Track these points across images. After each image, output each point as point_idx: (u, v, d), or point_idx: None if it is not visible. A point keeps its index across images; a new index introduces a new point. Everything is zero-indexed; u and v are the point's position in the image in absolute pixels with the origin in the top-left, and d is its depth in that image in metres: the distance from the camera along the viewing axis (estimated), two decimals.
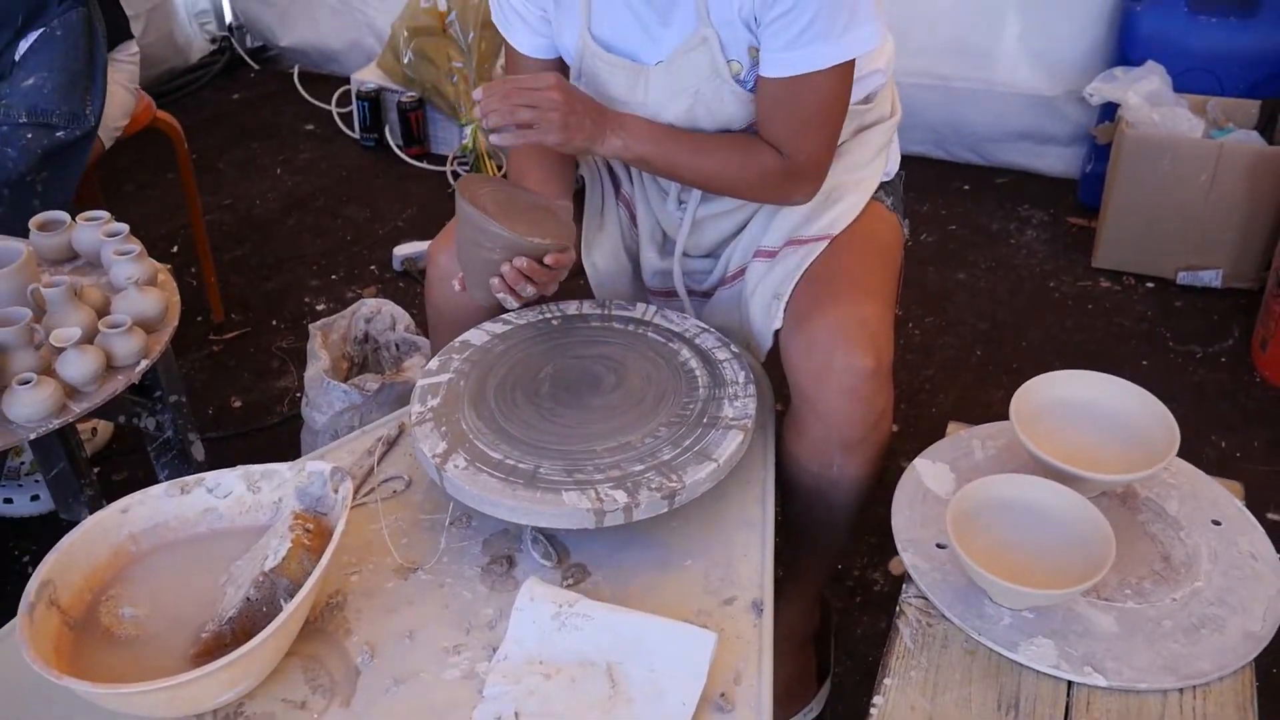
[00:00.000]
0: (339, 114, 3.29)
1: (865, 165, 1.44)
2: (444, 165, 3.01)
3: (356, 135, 3.16)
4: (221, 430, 2.06)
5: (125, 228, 1.49)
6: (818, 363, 1.24)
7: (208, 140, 3.14)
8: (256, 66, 3.69)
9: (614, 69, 1.30)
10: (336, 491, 1.07)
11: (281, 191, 2.92)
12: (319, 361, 1.79)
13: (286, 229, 2.75)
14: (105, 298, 1.44)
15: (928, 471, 1.20)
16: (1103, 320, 2.38)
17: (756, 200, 1.39)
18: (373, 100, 3.09)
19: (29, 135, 1.68)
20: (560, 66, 1.38)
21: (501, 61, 3.05)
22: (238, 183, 2.96)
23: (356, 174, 3.02)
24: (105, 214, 1.54)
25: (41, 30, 1.78)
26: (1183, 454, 1.17)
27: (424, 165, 3.04)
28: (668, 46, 1.27)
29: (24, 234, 1.54)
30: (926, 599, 1.07)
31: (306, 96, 3.44)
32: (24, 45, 1.78)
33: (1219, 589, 1.06)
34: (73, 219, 1.55)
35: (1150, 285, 2.49)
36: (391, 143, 3.11)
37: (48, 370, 1.30)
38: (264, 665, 0.98)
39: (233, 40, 3.74)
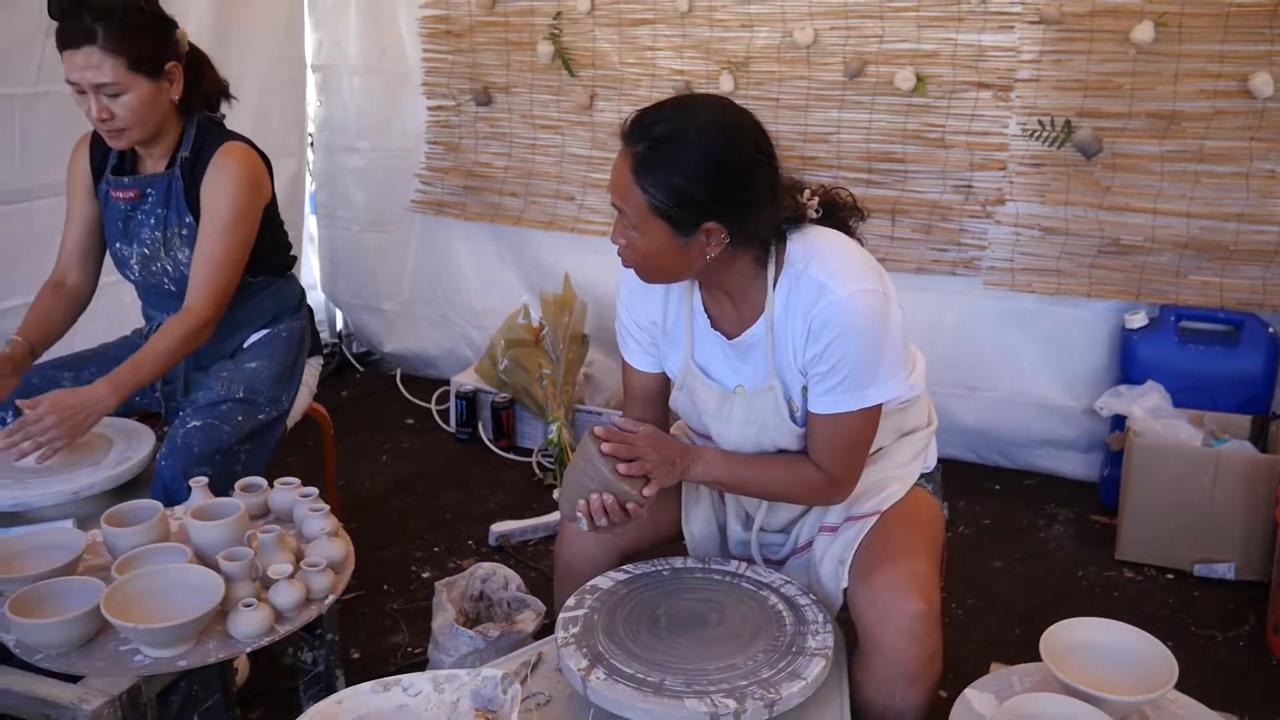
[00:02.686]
0: (437, 411, 3.75)
1: (907, 464, 1.81)
2: (530, 457, 3.41)
3: (452, 429, 3.60)
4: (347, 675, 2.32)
5: (315, 491, 1.86)
6: (880, 609, 1.54)
7: (320, 430, 3.57)
8: (361, 369, 4.22)
9: (709, 390, 1.71)
10: (506, 693, 1.35)
11: (387, 476, 3.32)
12: (446, 613, 2.08)
13: (393, 508, 3.11)
14: (298, 546, 1.78)
15: (975, 699, 1.46)
16: (1128, 606, 2.63)
17: (803, 504, 1.76)
18: (469, 399, 3.55)
19: (239, 416, 2.09)
20: (664, 379, 1.79)
21: (585, 369, 3.54)
22: (348, 467, 3.36)
23: (453, 463, 3.42)
24: (296, 480, 1.91)
25: (270, 330, 2.27)
26: None
27: (512, 457, 3.45)
28: (746, 379, 1.68)
29: (227, 494, 1.91)
30: None
31: (407, 395, 3.92)
32: (254, 337, 2.27)
33: None
34: (269, 483, 1.92)
35: (1170, 576, 2.76)
36: (484, 436, 3.53)
37: (261, 598, 1.61)
38: None
39: (342, 346, 4.30)
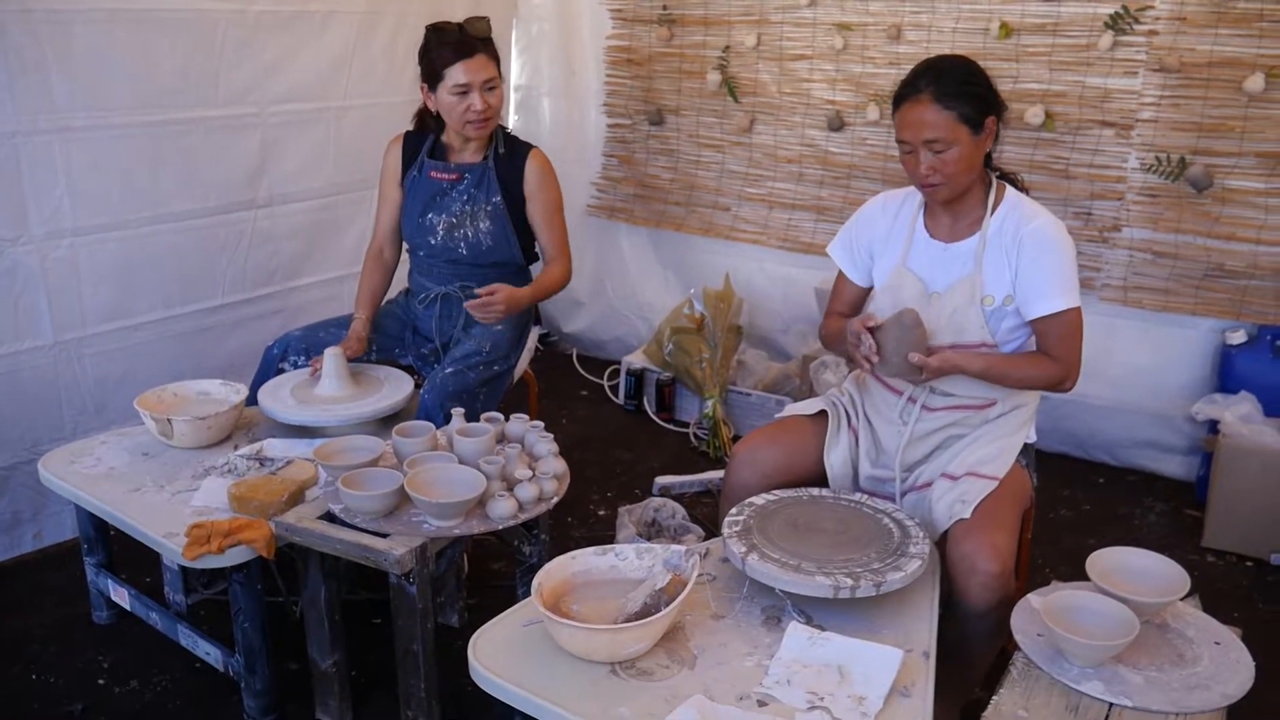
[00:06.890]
0: (609, 385, 4.36)
1: (1014, 433, 2.28)
2: (687, 428, 3.98)
3: (621, 401, 4.21)
4: None
5: (542, 424, 2.46)
6: (968, 567, 2.02)
7: (523, 391, 4.23)
8: (541, 348, 4.86)
9: (916, 286, 2.27)
10: (687, 561, 1.91)
11: (567, 435, 3.93)
12: (627, 529, 2.67)
13: (573, 460, 3.62)
14: (530, 461, 2.38)
15: (1034, 600, 1.94)
16: (1206, 584, 3.01)
17: (1040, 389, 2.28)
18: (637, 376, 4.15)
19: (481, 366, 2.73)
20: (862, 293, 2.43)
21: (738, 356, 4.08)
22: None
23: (621, 429, 4.03)
24: (525, 415, 2.51)
25: None
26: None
27: (671, 427, 4.03)
28: (948, 279, 2.23)
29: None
30: (1029, 660, 1.80)
31: (582, 371, 4.55)
32: None
33: (1210, 673, 1.75)
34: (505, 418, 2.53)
35: (1249, 564, 3.12)
36: (648, 409, 4.12)
37: (508, 494, 2.21)
38: (653, 636, 1.79)
39: None
